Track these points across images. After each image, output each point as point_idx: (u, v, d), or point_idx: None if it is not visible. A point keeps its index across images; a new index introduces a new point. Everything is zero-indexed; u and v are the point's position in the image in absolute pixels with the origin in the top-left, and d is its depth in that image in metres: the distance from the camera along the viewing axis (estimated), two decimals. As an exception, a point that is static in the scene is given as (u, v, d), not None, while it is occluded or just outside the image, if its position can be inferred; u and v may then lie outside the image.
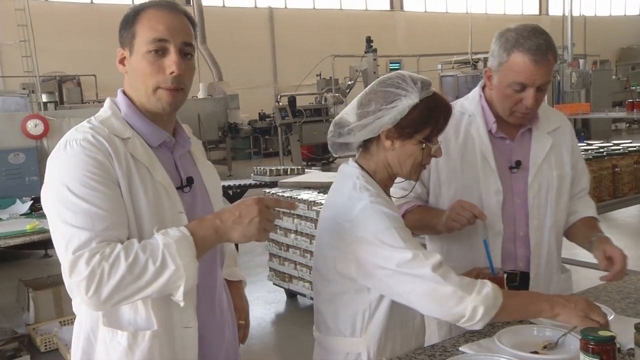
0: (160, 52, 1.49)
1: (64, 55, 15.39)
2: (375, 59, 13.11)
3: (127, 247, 1.37)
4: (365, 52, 13.24)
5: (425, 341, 1.84)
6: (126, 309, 1.49)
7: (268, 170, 6.48)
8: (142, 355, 1.48)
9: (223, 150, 14.27)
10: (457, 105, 2.09)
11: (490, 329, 1.73)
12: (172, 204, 1.51)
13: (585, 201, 2.20)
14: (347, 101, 14.21)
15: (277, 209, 1.51)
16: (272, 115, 13.56)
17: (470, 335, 1.76)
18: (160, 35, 1.48)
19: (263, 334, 4.72)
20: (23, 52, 8.18)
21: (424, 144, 1.63)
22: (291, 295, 5.35)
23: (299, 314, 5.13)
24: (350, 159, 1.75)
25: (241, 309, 1.86)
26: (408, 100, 1.60)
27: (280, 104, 13.48)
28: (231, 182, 6.68)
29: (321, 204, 4.27)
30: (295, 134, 12.90)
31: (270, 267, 5.36)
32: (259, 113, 14.52)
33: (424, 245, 2.20)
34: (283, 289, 5.34)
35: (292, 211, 4.64)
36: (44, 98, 11.46)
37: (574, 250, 2.38)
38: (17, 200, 4.76)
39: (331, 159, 13.86)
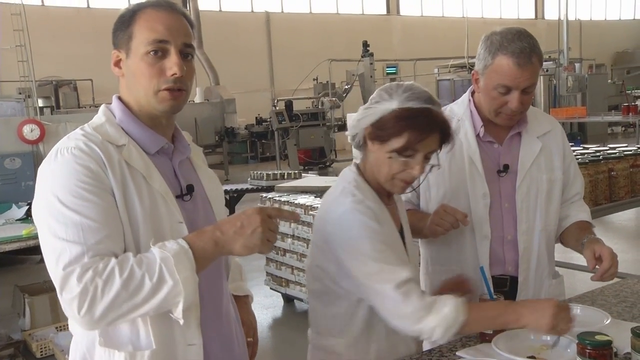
0: (159, 53, 1.43)
1: (60, 60, 15.34)
2: (372, 63, 13.11)
3: (122, 262, 1.30)
4: (362, 56, 13.24)
5: (424, 346, 1.84)
6: (124, 327, 1.41)
7: (265, 174, 6.48)
8: None
9: (220, 154, 14.26)
10: (447, 109, 2.09)
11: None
12: (170, 213, 1.44)
13: (579, 205, 2.19)
14: (343, 105, 14.22)
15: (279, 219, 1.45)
16: (269, 120, 13.55)
17: (467, 340, 1.76)
18: (160, 36, 1.42)
19: (260, 339, 4.61)
20: (19, 57, 8.15)
21: (391, 154, 1.61)
22: (288, 299, 5.34)
23: (296, 319, 5.11)
24: (353, 162, 1.78)
25: (249, 325, 1.79)
26: (387, 104, 1.62)
27: (277, 108, 13.45)
28: (228, 187, 6.67)
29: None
30: (292, 138, 12.89)
31: (267, 272, 5.35)
32: (256, 117, 14.49)
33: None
34: (280, 294, 5.33)
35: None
36: (40, 103, 11.46)
37: (570, 254, 2.38)
38: (13, 205, 4.74)
39: (328, 163, 13.85)
